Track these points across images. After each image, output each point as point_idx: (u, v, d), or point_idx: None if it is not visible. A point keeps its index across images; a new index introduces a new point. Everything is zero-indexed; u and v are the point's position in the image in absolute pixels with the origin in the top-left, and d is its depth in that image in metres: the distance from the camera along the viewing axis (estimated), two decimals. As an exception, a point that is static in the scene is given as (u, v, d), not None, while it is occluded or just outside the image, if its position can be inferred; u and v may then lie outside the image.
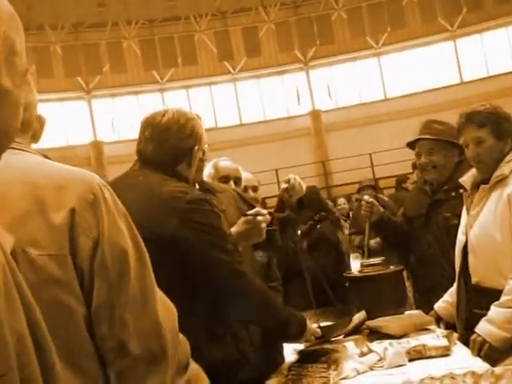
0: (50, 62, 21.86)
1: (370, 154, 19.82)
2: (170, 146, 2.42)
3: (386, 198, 6.26)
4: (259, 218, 2.65)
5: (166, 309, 1.52)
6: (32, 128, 1.62)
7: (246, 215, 2.71)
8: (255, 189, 3.90)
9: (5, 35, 0.99)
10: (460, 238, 2.96)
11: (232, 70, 23.10)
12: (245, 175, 3.82)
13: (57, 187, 1.41)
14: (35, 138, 1.65)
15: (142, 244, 1.50)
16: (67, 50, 22.02)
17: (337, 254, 5.00)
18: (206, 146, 2.71)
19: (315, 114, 22.68)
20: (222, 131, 21.89)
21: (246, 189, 3.74)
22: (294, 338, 2.58)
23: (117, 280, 1.41)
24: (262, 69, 23.09)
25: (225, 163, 3.64)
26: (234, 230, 2.62)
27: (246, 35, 23.00)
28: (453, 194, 3.45)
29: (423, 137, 3.62)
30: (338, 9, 22.72)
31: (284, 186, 3.21)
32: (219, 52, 22.88)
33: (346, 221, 8.73)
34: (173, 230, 2.18)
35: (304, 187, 3.25)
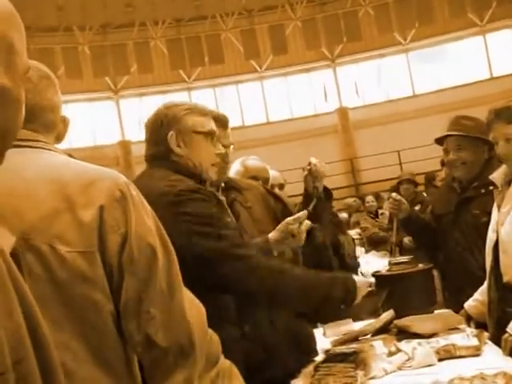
0: (78, 62, 22.06)
1: (398, 151, 19.68)
2: (151, 139, 2.41)
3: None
4: (294, 226, 2.57)
5: (193, 305, 1.53)
6: (57, 129, 1.64)
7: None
8: (281, 187, 3.89)
9: (3, 34, 0.99)
10: (490, 236, 2.91)
11: (258, 69, 23.09)
12: (271, 173, 3.81)
13: (84, 185, 1.43)
14: (59, 138, 1.67)
15: (168, 240, 1.51)
16: (95, 51, 22.20)
17: (337, 255, 4.98)
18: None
19: (342, 112, 22.56)
20: (248, 130, 21.91)
21: (272, 187, 3.72)
22: (344, 302, 2.40)
23: (145, 275, 1.42)
24: (288, 67, 23.04)
25: (254, 163, 3.62)
26: (271, 235, 2.57)
27: (273, 33, 22.95)
28: (482, 191, 3.39)
29: (451, 133, 3.56)
30: (365, 5, 22.56)
31: (307, 168, 3.08)
32: (246, 50, 22.88)
33: (373, 218, 8.66)
34: (167, 227, 2.15)
35: (328, 170, 3.14)
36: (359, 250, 8.55)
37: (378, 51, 22.54)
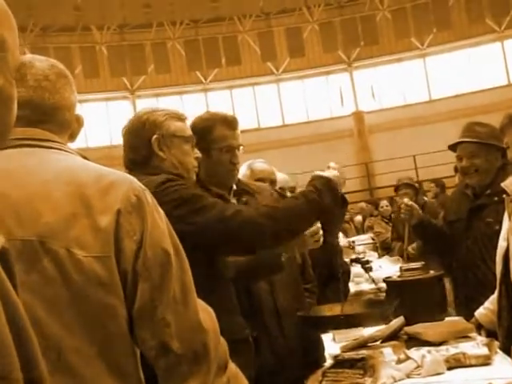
0: (95, 62, 22.19)
1: (414, 156, 19.58)
2: (131, 146, 2.39)
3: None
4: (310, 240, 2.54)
5: (206, 312, 1.52)
6: (71, 128, 1.63)
7: None
8: (293, 190, 3.88)
9: None
10: (501, 244, 2.87)
11: (275, 71, 23.09)
12: (282, 176, 3.80)
13: (102, 189, 1.42)
14: (72, 137, 1.66)
15: (181, 247, 1.50)
16: (113, 51, 22.32)
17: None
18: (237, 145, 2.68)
19: (358, 115, 22.51)
20: (264, 132, 21.94)
21: (283, 190, 3.71)
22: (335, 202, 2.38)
23: (159, 281, 1.42)
24: (305, 69, 23.03)
25: (260, 165, 3.62)
26: None
27: (290, 36, 22.96)
28: (496, 198, 3.35)
29: (464, 140, 3.53)
30: (383, 9, 22.50)
31: None
32: (263, 53, 22.90)
33: (387, 223, 8.62)
34: None
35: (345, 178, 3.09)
36: (372, 255, 8.51)
37: (395, 55, 22.47)
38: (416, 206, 3.73)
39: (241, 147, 2.74)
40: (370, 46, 22.46)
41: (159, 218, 1.48)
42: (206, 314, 1.52)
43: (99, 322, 1.38)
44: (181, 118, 2.45)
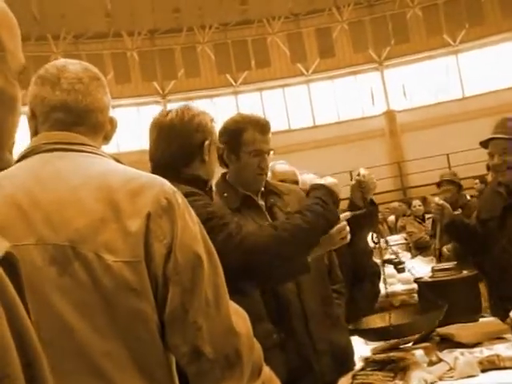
0: (127, 67, 22.40)
1: (448, 155, 19.36)
2: (177, 144, 2.31)
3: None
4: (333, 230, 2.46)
5: (238, 315, 1.51)
6: (105, 130, 1.63)
7: None
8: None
9: None
10: (536, 243, 2.80)
11: (305, 72, 23.04)
12: (310, 177, 3.76)
13: (132, 193, 1.41)
14: (106, 139, 1.65)
15: (214, 250, 1.49)
16: (143, 56, 22.51)
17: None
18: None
19: (390, 115, 22.34)
20: (295, 133, 21.91)
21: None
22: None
23: (190, 285, 1.40)
24: (335, 70, 22.93)
25: (282, 167, 3.60)
26: None
27: (319, 36, 22.89)
28: None
29: (496, 136, 3.45)
30: (414, 6, 22.29)
31: (356, 177, 2.97)
32: (292, 54, 22.87)
33: (420, 223, 8.52)
34: None
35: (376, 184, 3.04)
36: (405, 255, 8.42)
37: (426, 53, 22.23)
38: (447, 205, 3.66)
39: (271, 152, 2.72)
40: (401, 44, 22.26)
41: (191, 221, 1.45)
42: (238, 317, 1.50)
43: (130, 328, 1.37)
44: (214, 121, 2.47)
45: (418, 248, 8.09)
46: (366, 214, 2.79)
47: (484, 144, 3.56)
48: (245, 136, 2.65)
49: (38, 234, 1.39)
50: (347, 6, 22.62)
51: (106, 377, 1.35)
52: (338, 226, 2.44)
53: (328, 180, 2.44)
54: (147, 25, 22.05)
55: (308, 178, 3.82)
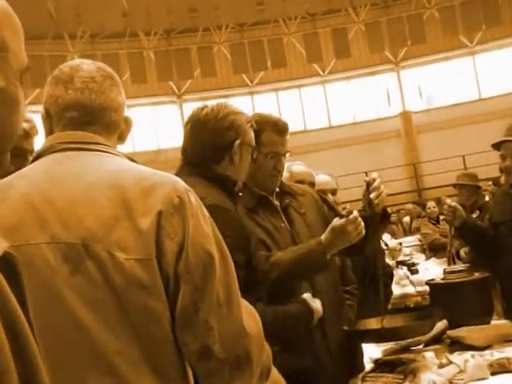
0: (143, 67, 22.49)
1: (463, 156, 19.25)
2: (208, 140, 2.27)
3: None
4: (349, 226, 2.45)
5: (250, 314, 1.50)
6: (119, 129, 1.63)
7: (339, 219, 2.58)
8: (334, 192, 3.83)
9: None
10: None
11: (321, 72, 23.01)
12: (324, 178, 3.77)
13: (144, 191, 1.42)
14: (121, 138, 1.65)
15: (226, 248, 1.48)
16: (160, 56, 22.59)
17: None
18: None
19: (406, 116, 22.25)
20: (311, 134, 21.88)
21: (324, 192, 3.67)
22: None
23: (201, 283, 1.39)
24: (351, 70, 22.88)
25: (299, 167, 3.59)
26: (324, 237, 2.48)
27: (336, 37, 22.86)
28: None
29: (508, 138, 3.44)
30: (430, 7, 22.20)
31: (365, 179, 2.91)
32: (308, 54, 22.85)
33: (435, 224, 8.49)
34: None
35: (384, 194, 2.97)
36: (419, 257, 8.39)
37: (443, 54, 22.13)
38: (459, 207, 3.64)
39: (287, 154, 2.71)
40: (417, 45, 22.18)
41: (203, 220, 1.45)
42: (250, 317, 1.49)
43: (143, 326, 1.37)
44: (253, 126, 2.42)
45: (432, 250, 8.07)
46: (374, 219, 2.75)
47: (496, 146, 3.54)
48: (262, 137, 2.63)
49: (51, 232, 1.40)
50: (364, 7, 22.57)
51: (119, 375, 1.36)
52: (353, 221, 2.44)
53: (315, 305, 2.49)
54: (164, 24, 22.13)
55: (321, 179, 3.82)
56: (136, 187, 1.42)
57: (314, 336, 2.59)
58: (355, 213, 2.49)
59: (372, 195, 2.65)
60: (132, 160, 1.57)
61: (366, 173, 20.00)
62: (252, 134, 2.37)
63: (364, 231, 2.49)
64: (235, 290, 1.46)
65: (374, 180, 2.67)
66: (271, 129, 2.65)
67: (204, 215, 1.46)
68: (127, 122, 1.66)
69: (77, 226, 1.39)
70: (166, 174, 1.51)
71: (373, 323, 2.84)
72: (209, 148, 2.28)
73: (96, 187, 1.43)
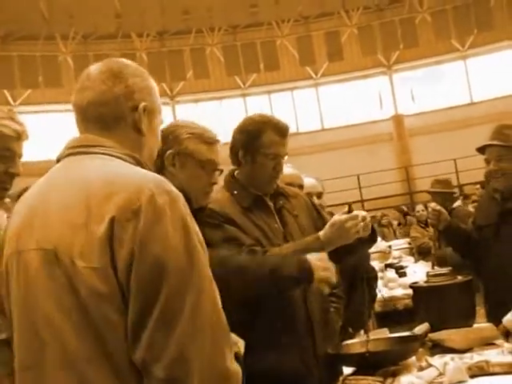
0: (135, 68, 22.43)
1: (455, 160, 19.31)
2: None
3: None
4: (349, 222, 2.47)
5: (204, 336, 1.35)
6: (123, 122, 1.59)
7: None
8: (320, 195, 3.84)
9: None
10: (528, 251, 2.79)
11: (314, 75, 23.04)
12: (310, 181, 3.78)
13: (105, 196, 1.37)
14: (138, 130, 1.61)
15: (202, 261, 1.39)
16: (152, 57, 22.54)
17: None
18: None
19: (398, 119, 22.31)
20: (303, 136, 21.88)
21: (310, 195, 3.68)
22: (298, 280, 2.37)
23: (150, 298, 1.32)
24: (344, 73, 22.92)
25: (288, 170, 3.59)
26: (321, 233, 2.50)
27: (328, 40, 22.91)
28: None
29: (492, 143, 3.45)
30: (423, 11, 22.28)
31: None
32: (301, 57, 22.88)
33: (424, 228, 8.50)
34: None
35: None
36: (408, 260, 8.42)
37: (435, 58, 22.20)
38: (444, 210, 3.66)
39: (286, 156, 2.71)
40: (410, 48, 22.26)
41: (172, 227, 1.35)
42: (202, 338, 1.35)
43: (105, 333, 1.35)
44: (207, 140, 2.43)
45: (421, 253, 8.09)
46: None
47: (481, 150, 3.56)
48: (263, 138, 2.63)
49: (37, 239, 1.43)
50: (356, 10, 22.62)
51: (83, 376, 1.36)
52: (353, 218, 2.46)
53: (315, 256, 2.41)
54: (156, 26, 22.11)
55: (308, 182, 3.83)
56: (100, 192, 1.38)
57: (304, 339, 2.60)
58: (359, 212, 2.50)
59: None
60: (137, 160, 1.53)
61: (357, 176, 20.08)
62: (197, 146, 2.38)
63: (361, 231, 2.51)
64: (190, 306, 1.34)
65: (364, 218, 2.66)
66: (272, 129, 2.65)
67: (176, 221, 1.37)
68: (138, 110, 1.57)
69: (51, 233, 1.41)
70: (142, 176, 1.43)
71: (357, 346, 2.84)
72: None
73: (70, 193, 1.43)
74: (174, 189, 1.42)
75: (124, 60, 1.67)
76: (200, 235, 1.43)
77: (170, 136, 2.36)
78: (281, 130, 2.68)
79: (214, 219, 2.54)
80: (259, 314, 2.48)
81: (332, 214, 3.16)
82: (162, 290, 1.31)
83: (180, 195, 1.43)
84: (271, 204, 2.73)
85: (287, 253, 2.40)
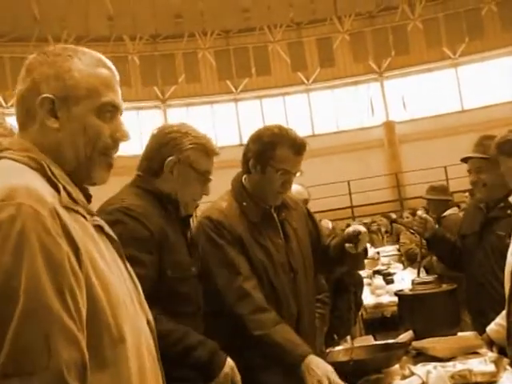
0: (127, 71, 22.39)
1: (445, 167, 19.35)
2: (149, 153, 2.42)
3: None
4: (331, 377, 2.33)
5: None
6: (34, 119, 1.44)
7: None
8: (306, 202, 3.84)
9: None
10: (509, 261, 2.78)
11: (305, 81, 23.08)
12: (295, 188, 3.77)
13: None
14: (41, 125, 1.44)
15: (42, 296, 1.17)
16: (144, 60, 22.55)
17: None
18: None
19: (389, 126, 22.37)
20: (294, 141, 21.85)
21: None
22: (205, 368, 2.23)
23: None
24: (335, 79, 23.00)
25: (295, 186, 3.59)
26: (310, 358, 2.36)
27: (320, 46, 22.97)
28: (509, 211, 3.28)
29: (471, 155, 3.47)
30: (414, 19, 22.37)
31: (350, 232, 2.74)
32: (293, 62, 22.92)
33: (413, 233, 8.51)
34: None
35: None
36: (397, 267, 8.43)
37: (426, 65, 22.30)
38: (430, 218, 3.67)
39: (298, 173, 2.65)
40: (401, 55, 22.35)
41: (2, 247, 1.16)
42: None
43: None
44: (209, 152, 2.42)
45: (409, 259, 8.10)
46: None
47: (464, 161, 3.58)
48: (277, 151, 2.58)
49: None
50: (348, 17, 22.69)
51: None
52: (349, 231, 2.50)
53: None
54: (149, 29, 22.10)
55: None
56: None
57: None
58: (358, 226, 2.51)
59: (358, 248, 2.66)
60: (38, 164, 1.35)
61: (348, 182, 20.11)
62: (198, 156, 2.37)
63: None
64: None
65: (360, 232, 2.65)
66: (288, 145, 2.59)
67: (10, 238, 1.17)
68: (45, 104, 1.41)
69: None
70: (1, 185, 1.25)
71: (341, 353, 2.84)
72: (149, 160, 2.40)
73: None
74: (34, 200, 1.23)
75: (45, 49, 1.51)
76: (56, 255, 1.21)
77: (172, 142, 2.36)
78: (296, 147, 2.61)
79: (219, 236, 2.53)
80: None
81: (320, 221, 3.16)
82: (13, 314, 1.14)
83: (38, 207, 1.22)
84: (275, 215, 2.71)
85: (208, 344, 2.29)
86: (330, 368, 2.32)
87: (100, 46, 21.98)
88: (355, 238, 2.66)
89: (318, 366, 2.30)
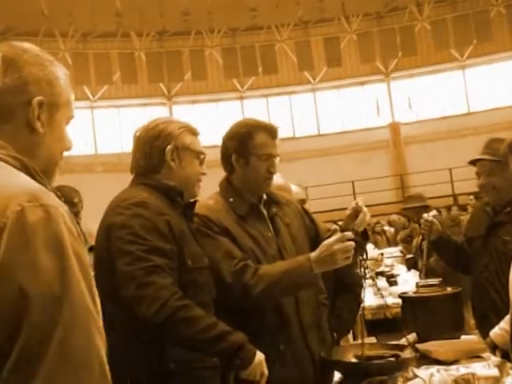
0: (134, 68, 22.44)
1: (450, 169, 19.33)
2: (142, 151, 2.44)
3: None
4: (337, 245, 2.42)
5: (72, 379, 1.16)
6: (17, 116, 1.39)
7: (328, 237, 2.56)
8: (303, 202, 3.82)
9: None
10: (513, 266, 2.77)
11: (312, 80, 23.06)
12: (293, 188, 3.76)
13: None
14: (31, 127, 1.40)
15: (73, 287, 1.18)
16: (151, 57, 22.56)
17: None
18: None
19: (394, 127, 22.34)
20: (300, 141, 21.91)
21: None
22: (231, 354, 2.23)
23: (10, 330, 1.12)
24: (342, 79, 22.97)
25: (276, 179, 3.59)
26: (312, 254, 2.46)
27: (327, 45, 22.94)
28: None
29: (481, 157, 3.46)
30: (422, 20, 22.32)
31: (353, 206, 2.76)
32: (300, 62, 22.90)
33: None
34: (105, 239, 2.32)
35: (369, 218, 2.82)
36: (401, 268, 8.41)
37: (433, 67, 22.24)
38: (436, 221, 3.66)
39: (278, 157, 2.72)
40: (408, 56, 22.31)
41: (43, 252, 1.16)
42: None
43: None
44: (195, 132, 2.52)
45: (404, 242, 8.10)
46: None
47: (472, 163, 3.56)
48: (255, 139, 2.66)
49: None
50: (356, 17, 22.65)
51: None
52: (344, 246, 2.42)
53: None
54: (156, 26, 22.11)
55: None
56: None
57: (299, 347, 2.59)
58: (345, 233, 2.49)
59: (358, 220, 2.66)
60: (24, 164, 1.31)
61: (352, 182, 20.08)
62: (191, 138, 2.46)
63: (351, 258, 2.49)
64: (68, 349, 1.14)
65: (360, 206, 2.68)
66: (263, 131, 2.68)
67: (50, 243, 1.17)
68: (34, 106, 1.37)
69: None
70: (16, 187, 1.22)
71: (352, 350, 2.80)
72: (145, 158, 2.43)
73: None
74: (54, 202, 1.23)
75: (23, 44, 1.43)
76: (83, 257, 1.23)
77: (163, 133, 2.42)
78: (271, 132, 2.70)
79: (208, 229, 2.56)
80: (251, 324, 2.47)
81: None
82: (23, 326, 1.12)
83: (60, 210, 1.22)
84: (265, 212, 2.73)
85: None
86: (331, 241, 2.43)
87: (107, 41, 22.05)
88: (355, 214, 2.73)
89: (322, 250, 2.44)
